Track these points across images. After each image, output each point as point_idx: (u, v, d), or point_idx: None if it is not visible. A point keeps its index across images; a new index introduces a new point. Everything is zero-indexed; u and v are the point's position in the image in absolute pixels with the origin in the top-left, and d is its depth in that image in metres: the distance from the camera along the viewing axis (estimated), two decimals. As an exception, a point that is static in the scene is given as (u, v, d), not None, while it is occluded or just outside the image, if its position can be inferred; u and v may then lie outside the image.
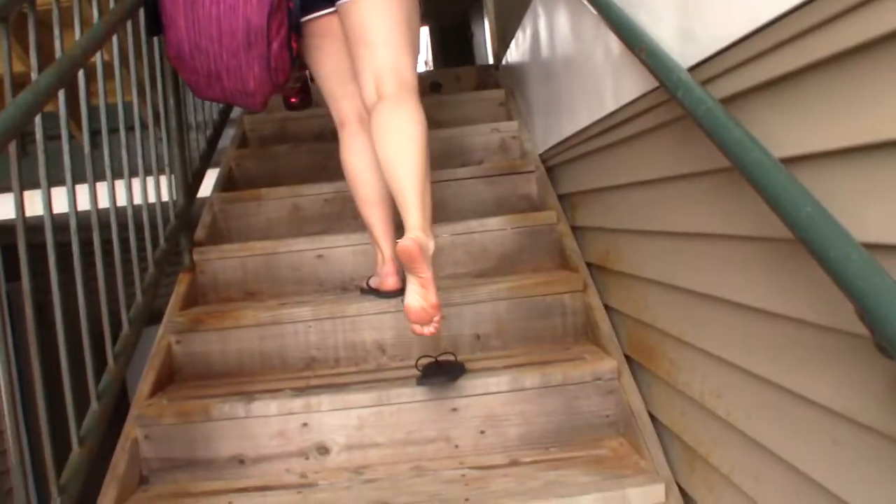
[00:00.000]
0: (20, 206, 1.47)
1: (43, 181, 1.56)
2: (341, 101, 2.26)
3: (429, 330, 1.84)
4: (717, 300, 1.41)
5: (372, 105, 2.05)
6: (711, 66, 1.28)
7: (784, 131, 1.10)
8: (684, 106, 1.23)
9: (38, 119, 1.53)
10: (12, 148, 1.44)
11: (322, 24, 2.16)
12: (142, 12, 2.18)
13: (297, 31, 2.04)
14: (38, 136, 1.56)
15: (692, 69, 1.33)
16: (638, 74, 1.59)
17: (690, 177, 1.47)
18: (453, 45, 10.23)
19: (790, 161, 1.06)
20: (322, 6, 2.13)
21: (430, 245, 1.85)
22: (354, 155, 2.24)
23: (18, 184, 1.47)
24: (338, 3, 2.09)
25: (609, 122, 1.90)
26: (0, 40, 1.45)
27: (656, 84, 1.45)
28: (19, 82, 1.41)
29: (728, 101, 1.23)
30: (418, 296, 1.80)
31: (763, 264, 1.22)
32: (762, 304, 1.23)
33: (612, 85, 1.82)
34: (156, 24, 2.04)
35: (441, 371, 1.92)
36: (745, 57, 1.16)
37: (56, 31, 1.69)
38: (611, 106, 1.84)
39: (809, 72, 1.02)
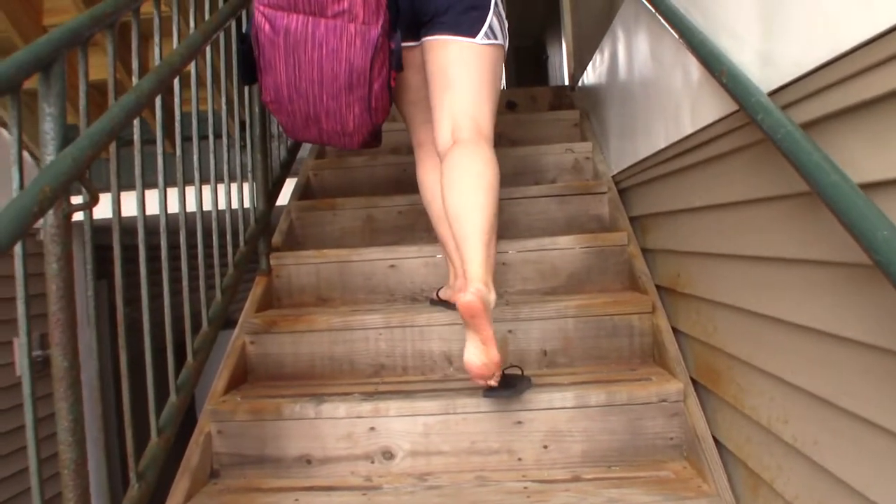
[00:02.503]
0: (117, 204, 1.55)
1: (138, 182, 1.65)
2: (421, 126, 2.28)
3: (491, 382, 1.86)
4: (788, 324, 1.40)
5: (445, 150, 2.05)
6: (792, 91, 1.29)
7: (865, 157, 1.11)
8: (763, 129, 1.25)
9: (136, 122, 1.61)
10: (112, 149, 1.53)
11: (407, 57, 2.15)
12: (233, 24, 2.27)
13: (397, 70, 2.04)
14: (136, 137, 1.66)
15: (772, 94, 1.34)
16: (716, 98, 1.60)
17: (765, 201, 1.47)
18: (527, 66, 10.29)
19: (870, 186, 1.06)
20: (407, 39, 2.13)
21: (492, 298, 1.82)
22: (430, 174, 2.26)
23: (117, 183, 1.56)
24: (423, 39, 2.11)
25: (686, 145, 1.90)
26: (106, 46, 1.55)
27: (735, 108, 1.46)
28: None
29: (807, 126, 1.24)
30: (480, 353, 1.79)
31: (838, 289, 1.22)
32: (835, 328, 1.23)
33: (690, 108, 1.83)
34: (250, 73, 2.06)
35: (507, 384, 1.94)
36: (826, 82, 1.17)
37: (156, 38, 1.79)
38: (688, 129, 1.85)
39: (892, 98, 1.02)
